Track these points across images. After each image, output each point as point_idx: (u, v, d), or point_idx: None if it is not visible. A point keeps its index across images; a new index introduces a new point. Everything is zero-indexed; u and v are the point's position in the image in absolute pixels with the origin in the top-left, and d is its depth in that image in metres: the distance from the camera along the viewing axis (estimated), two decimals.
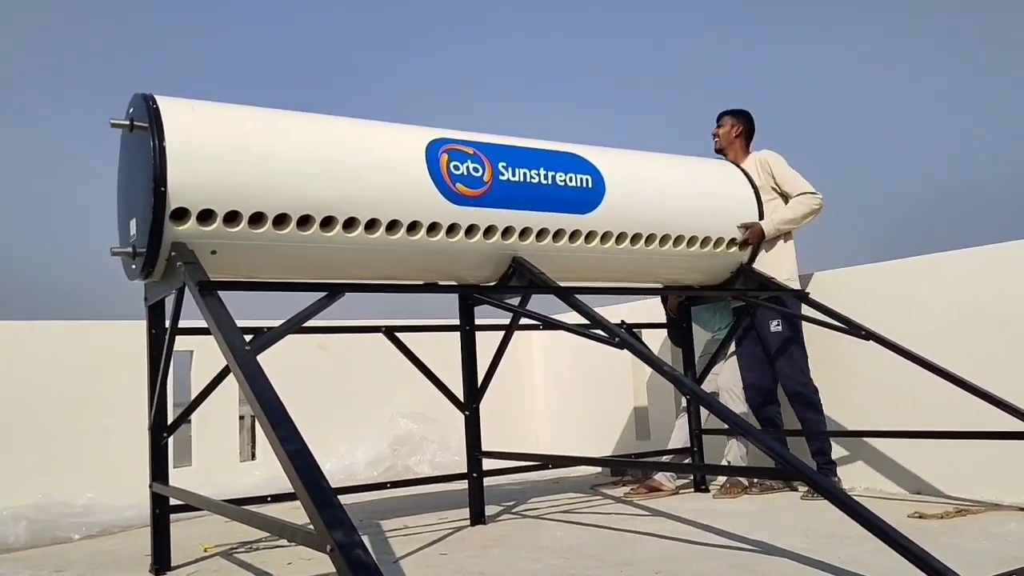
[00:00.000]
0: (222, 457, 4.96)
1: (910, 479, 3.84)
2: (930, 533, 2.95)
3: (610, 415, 5.62)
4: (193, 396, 4.69)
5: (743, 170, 4.25)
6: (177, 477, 3.87)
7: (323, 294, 2.74)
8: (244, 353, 2.18)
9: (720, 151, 4.49)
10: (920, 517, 3.26)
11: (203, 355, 4.78)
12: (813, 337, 4.08)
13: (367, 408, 5.41)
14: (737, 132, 4.43)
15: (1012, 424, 3.13)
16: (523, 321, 3.72)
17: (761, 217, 4.06)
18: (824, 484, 2.26)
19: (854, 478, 4.02)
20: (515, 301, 3.52)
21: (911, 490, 3.82)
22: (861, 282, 4.15)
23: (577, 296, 3.12)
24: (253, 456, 5.32)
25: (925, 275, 3.90)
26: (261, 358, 2.16)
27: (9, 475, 4.27)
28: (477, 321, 3.82)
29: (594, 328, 3.10)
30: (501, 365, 3.77)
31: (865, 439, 3.95)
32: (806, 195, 4.14)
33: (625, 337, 2.94)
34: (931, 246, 3.99)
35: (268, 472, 4.90)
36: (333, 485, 1.66)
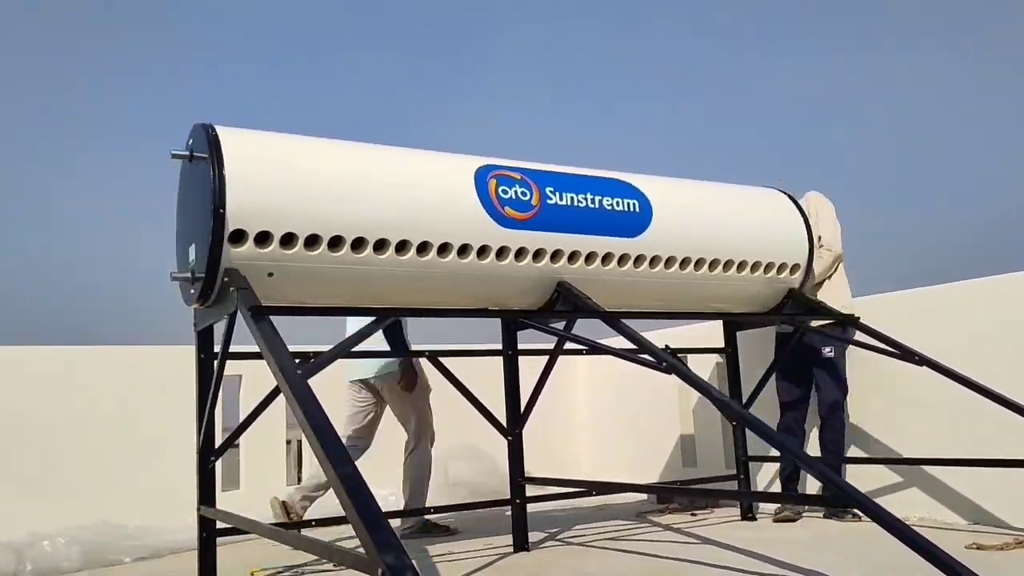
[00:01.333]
0: (270, 481, 4.97)
1: (968, 508, 3.73)
2: (990, 565, 2.86)
3: (656, 441, 5.55)
4: (241, 420, 4.75)
5: (791, 197, 4.21)
6: (225, 500, 3.91)
7: (372, 319, 2.76)
8: (296, 377, 2.20)
9: None
10: (979, 548, 3.16)
11: (251, 379, 4.82)
12: (865, 362, 4.01)
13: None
14: None
15: None
16: (567, 346, 3.71)
17: (811, 244, 4.03)
18: (882, 514, 2.20)
19: (909, 507, 3.91)
20: (560, 327, 3.52)
21: (969, 520, 3.72)
22: (910, 306, 4.07)
23: (623, 321, 3.11)
24: (299, 480, 5.34)
25: (977, 299, 3.82)
26: (312, 384, 2.18)
27: (64, 498, 4.32)
28: (520, 347, 3.81)
29: (641, 353, 3.08)
30: (544, 390, 3.75)
31: (921, 467, 3.86)
32: (823, 250, 4.16)
33: (672, 362, 2.92)
34: (981, 271, 3.92)
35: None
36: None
